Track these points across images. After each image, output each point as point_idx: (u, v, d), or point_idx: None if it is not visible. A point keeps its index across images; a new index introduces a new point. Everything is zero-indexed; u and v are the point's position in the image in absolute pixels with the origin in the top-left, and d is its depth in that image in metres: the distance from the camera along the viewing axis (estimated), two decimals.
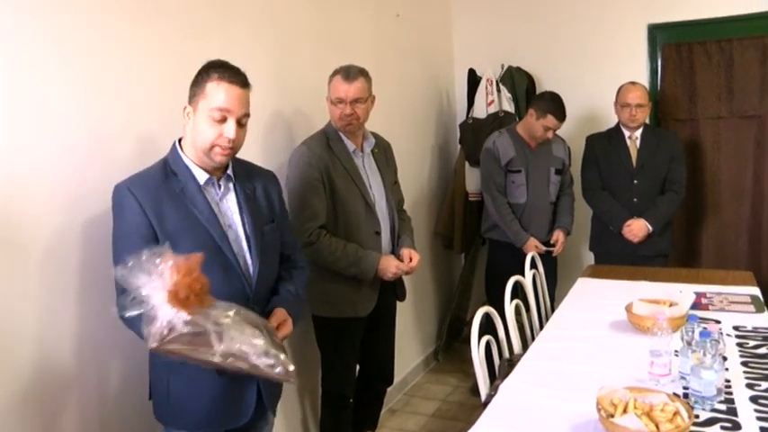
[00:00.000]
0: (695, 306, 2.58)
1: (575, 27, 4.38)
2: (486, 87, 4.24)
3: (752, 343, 2.28)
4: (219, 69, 1.79)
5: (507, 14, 4.58)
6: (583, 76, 4.34)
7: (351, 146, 2.72)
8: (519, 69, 4.40)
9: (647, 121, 3.81)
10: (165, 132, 2.21)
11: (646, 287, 2.84)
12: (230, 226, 1.87)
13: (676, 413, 1.63)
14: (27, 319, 1.81)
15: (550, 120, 3.51)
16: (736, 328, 2.43)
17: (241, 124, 1.81)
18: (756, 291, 2.87)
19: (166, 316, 1.46)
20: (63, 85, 1.90)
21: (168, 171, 1.82)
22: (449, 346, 4.54)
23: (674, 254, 3.98)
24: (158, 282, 1.45)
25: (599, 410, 1.67)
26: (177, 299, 1.45)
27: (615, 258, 3.64)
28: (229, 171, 1.91)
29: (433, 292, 4.49)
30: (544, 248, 3.62)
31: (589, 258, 4.05)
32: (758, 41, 3.91)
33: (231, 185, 1.91)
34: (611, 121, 3.80)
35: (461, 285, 4.56)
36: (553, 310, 2.92)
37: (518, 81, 4.35)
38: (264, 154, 2.76)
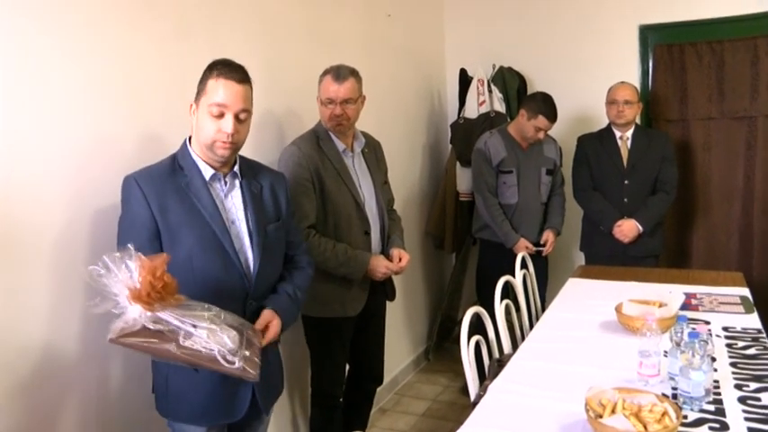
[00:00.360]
0: (685, 307, 2.58)
1: (566, 27, 4.39)
2: (478, 87, 4.24)
3: (741, 344, 2.28)
4: (219, 66, 1.85)
5: (499, 14, 4.58)
6: (574, 77, 4.34)
7: (341, 146, 2.71)
8: (510, 69, 4.40)
9: (638, 121, 3.82)
10: (160, 131, 2.22)
11: (636, 288, 2.84)
12: (233, 222, 1.91)
13: (665, 414, 1.63)
14: (31, 316, 1.83)
15: (542, 120, 3.51)
16: (725, 328, 2.43)
17: (240, 119, 1.84)
18: (746, 291, 2.88)
19: (132, 313, 1.50)
20: (63, 85, 1.91)
21: (176, 166, 1.88)
22: (439, 346, 4.55)
23: (665, 254, 3.99)
24: (126, 280, 1.49)
25: (587, 411, 1.67)
26: (138, 296, 1.48)
27: (606, 259, 3.65)
28: (236, 168, 1.94)
29: (423, 291, 4.49)
30: (534, 249, 3.62)
31: (580, 259, 4.06)
32: (749, 43, 3.92)
33: (237, 182, 1.95)
34: (603, 121, 3.81)
35: (452, 285, 4.56)
36: (543, 311, 2.92)
37: (509, 81, 4.35)
38: (255, 153, 2.73)
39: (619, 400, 1.69)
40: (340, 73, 2.61)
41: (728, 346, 2.27)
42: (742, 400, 1.85)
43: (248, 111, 1.88)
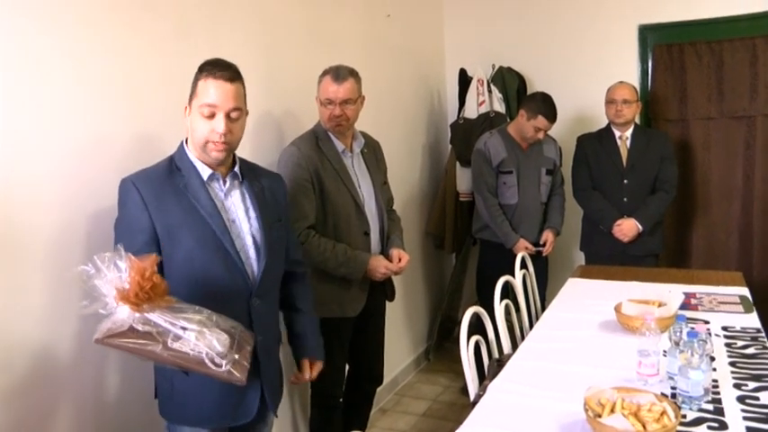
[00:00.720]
0: (684, 306, 2.58)
1: (566, 27, 4.39)
2: (477, 87, 4.24)
3: (740, 343, 2.28)
4: (208, 66, 1.83)
5: (498, 14, 4.59)
6: (574, 77, 4.34)
7: (340, 146, 2.71)
8: (510, 69, 4.40)
9: (638, 121, 3.82)
10: (160, 131, 2.22)
11: (635, 287, 2.84)
12: (233, 221, 1.90)
13: (663, 413, 1.63)
14: (27, 316, 1.82)
15: (541, 121, 3.52)
16: (724, 328, 2.44)
17: (232, 118, 1.82)
18: (745, 291, 2.88)
19: (120, 314, 1.49)
20: (62, 85, 1.91)
21: (173, 167, 1.87)
22: (440, 346, 4.55)
23: (665, 253, 4.00)
24: (115, 281, 1.48)
25: (586, 410, 1.67)
26: (126, 297, 1.47)
27: (606, 258, 3.65)
28: (236, 169, 1.93)
29: (424, 291, 4.49)
30: (534, 249, 3.62)
31: (580, 258, 4.06)
32: (748, 43, 3.92)
33: (237, 183, 1.94)
34: (603, 121, 3.81)
35: (452, 285, 4.56)
36: (543, 311, 2.92)
37: (509, 81, 4.35)
38: (254, 154, 2.75)
39: (618, 399, 1.70)
40: (339, 73, 2.61)
41: (728, 345, 2.27)
42: (741, 399, 1.85)
43: (240, 109, 1.85)
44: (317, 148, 2.66)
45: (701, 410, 1.78)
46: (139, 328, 1.49)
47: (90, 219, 1.99)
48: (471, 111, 4.25)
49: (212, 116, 1.80)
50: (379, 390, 3.15)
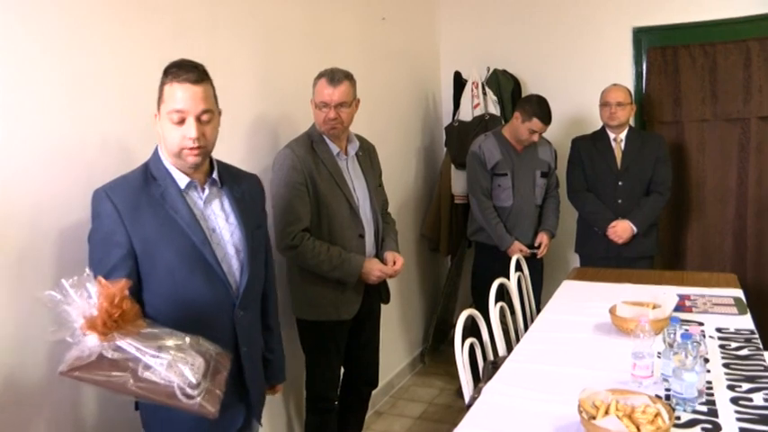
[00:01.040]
0: (679, 308, 2.58)
1: (560, 30, 4.40)
2: (472, 90, 4.25)
3: (734, 345, 2.29)
4: (172, 70, 1.73)
5: (493, 17, 4.60)
6: (568, 79, 4.36)
7: (335, 149, 2.71)
8: (505, 72, 4.41)
9: (632, 123, 3.83)
10: (151, 136, 2.20)
11: (630, 289, 2.85)
12: (214, 230, 1.82)
13: (657, 415, 1.64)
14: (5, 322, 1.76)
15: (536, 123, 3.52)
16: (718, 330, 2.44)
17: (202, 121, 1.73)
18: (739, 293, 2.89)
19: (88, 342, 1.40)
20: (47, 87, 1.88)
21: (149, 175, 1.77)
22: (435, 349, 4.55)
23: (660, 255, 4.00)
24: (83, 307, 1.40)
25: (581, 412, 1.67)
26: (93, 326, 1.39)
27: (600, 260, 3.66)
28: (215, 175, 1.85)
29: (419, 294, 4.49)
30: (528, 251, 3.63)
31: (575, 260, 4.07)
32: (741, 45, 3.94)
33: (216, 189, 1.86)
34: (597, 123, 3.82)
35: (448, 288, 4.56)
36: (538, 313, 2.92)
37: (504, 84, 4.36)
38: (248, 157, 2.75)
39: (612, 401, 1.70)
40: (334, 76, 2.61)
41: (722, 347, 2.27)
42: (734, 400, 1.86)
43: (211, 111, 1.75)
44: (311, 150, 2.66)
45: (694, 412, 1.79)
46: (109, 355, 1.41)
47: (69, 225, 1.91)
48: (466, 113, 4.26)
49: (182, 121, 1.70)
50: (374, 393, 3.15)
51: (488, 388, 2.06)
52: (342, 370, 2.94)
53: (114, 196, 1.70)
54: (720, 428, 1.70)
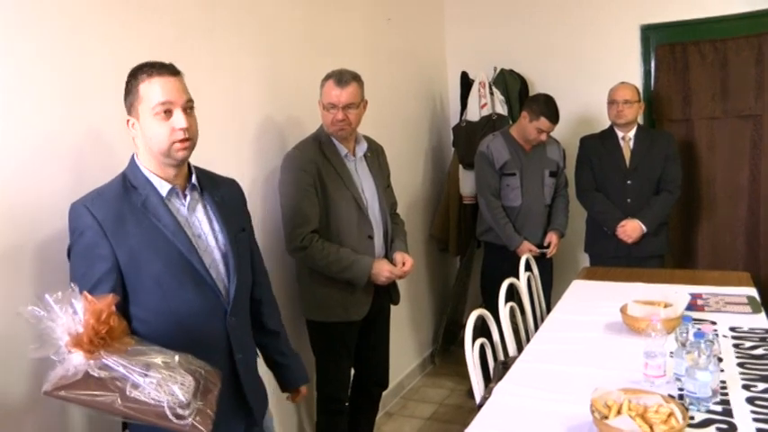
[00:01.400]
0: (691, 307, 2.56)
1: (567, 29, 4.38)
2: (479, 90, 4.24)
3: (748, 344, 2.26)
4: (144, 68, 1.69)
5: (499, 17, 4.58)
6: (576, 78, 4.33)
7: (343, 150, 2.70)
8: (512, 72, 4.40)
9: (641, 121, 3.80)
10: None
11: (641, 289, 2.82)
12: (200, 236, 1.77)
13: (671, 414, 1.62)
14: None
15: (543, 122, 3.51)
16: (732, 329, 2.42)
17: (187, 113, 1.70)
18: (753, 291, 2.86)
19: (73, 360, 1.34)
20: (45, 88, 1.86)
21: (128, 185, 1.71)
22: (445, 350, 4.53)
23: (670, 254, 3.97)
24: (68, 324, 1.34)
25: (593, 412, 1.66)
26: (79, 343, 1.33)
27: (610, 260, 3.64)
28: (194, 180, 1.80)
29: (428, 295, 4.48)
30: (538, 251, 3.61)
31: (584, 260, 4.05)
32: (753, 41, 3.90)
33: (197, 195, 1.81)
34: (605, 122, 3.80)
35: (457, 288, 4.55)
36: (548, 313, 2.91)
37: (511, 84, 4.34)
38: (256, 159, 2.76)
39: (624, 401, 1.69)
40: (342, 78, 2.60)
41: (736, 346, 2.25)
42: (750, 400, 1.84)
43: (192, 101, 1.72)
44: (319, 152, 2.66)
45: (709, 412, 1.77)
46: (95, 374, 1.36)
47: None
48: (473, 113, 4.24)
49: (169, 113, 1.66)
50: (384, 394, 3.14)
51: (499, 388, 2.05)
52: (352, 371, 2.93)
53: (94, 209, 1.64)
54: (736, 429, 1.68)
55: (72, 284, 1.39)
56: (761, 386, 1.92)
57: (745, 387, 1.92)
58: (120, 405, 1.36)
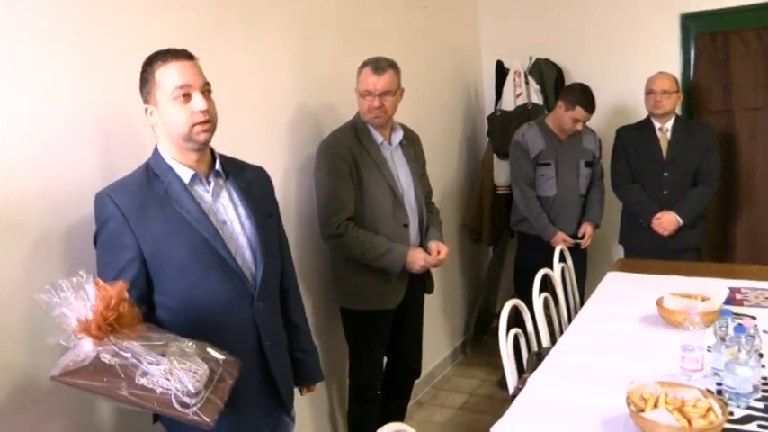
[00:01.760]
0: (729, 301, 2.52)
1: (604, 18, 4.32)
2: (515, 79, 4.21)
3: None
4: (159, 55, 1.69)
5: (535, 5, 4.53)
6: (613, 68, 4.27)
7: (379, 138, 2.71)
8: (547, 61, 4.36)
9: (679, 112, 3.74)
10: None
11: (677, 281, 2.79)
12: (225, 222, 1.76)
13: (709, 409, 1.60)
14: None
15: (579, 112, 3.47)
16: None
17: (205, 95, 1.70)
18: None
19: (83, 347, 1.36)
20: (75, 71, 1.87)
21: (150, 173, 1.72)
22: (477, 340, 4.53)
23: (707, 248, 3.91)
24: (79, 309, 1.35)
25: (629, 405, 1.65)
26: (87, 329, 1.34)
27: (645, 252, 3.59)
28: (218, 167, 1.80)
29: (460, 285, 4.48)
30: (572, 241, 3.58)
31: (619, 252, 4.00)
32: None
33: (222, 181, 1.81)
34: (642, 113, 3.74)
35: (489, 278, 4.54)
36: (582, 304, 2.89)
37: (546, 73, 4.30)
38: (291, 146, 2.78)
39: (661, 394, 1.67)
40: (379, 65, 2.61)
41: None
42: None
43: (209, 84, 1.73)
44: (355, 139, 2.67)
45: (749, 408, 1.74)
46: (106, 360, 1.36)
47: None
48: (508, 103, 4.22)
49: (188, 97, 1.67)
50: (416, 383, 3.15)
51: (533, 379, 2.05)
52: (385, 359, 2.94)
53: (118, 198, 1.65)
54: None
55: (81, 272, 1.39)
56: None
57: None
58: (125, 392, 1.36)
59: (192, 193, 1.72)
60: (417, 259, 2.67)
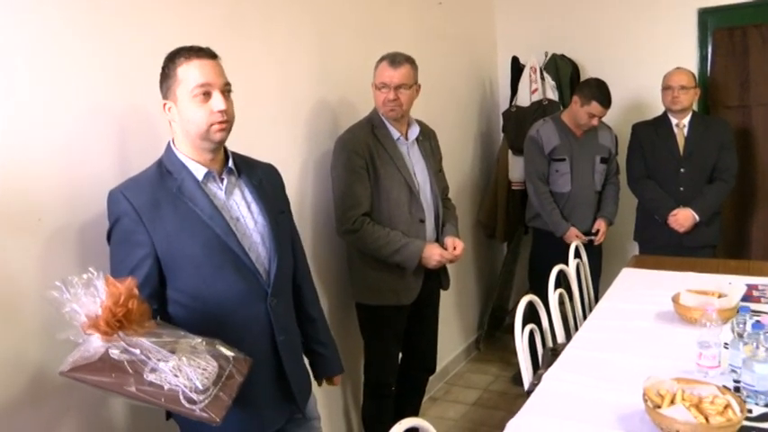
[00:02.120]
0: (746, 298, 2.50)
1: (621, 13, 4.30)
2: (530, 75, 4.20)
3: None
4: (182, 51, 1.70)
5: (550, 1, 4.51)
6: (629, 64, 4.25)
7: (395, 133, 2.71)
8: (563, 57, 4.34)
9: (696, 108, 3.71)
10: None
11: (693, 278, 2.78)
12: (238, 219, 1.77)
13: (727, 406, 1.59)
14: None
15: (595, 106, 3.46)
16: None
17: (225, 95, 1.70)
18: None
19: (93, 343, 1.36)
20: (93, 67, 1.88)
21: (163, 170, 1.72)
22: (490, 336, 4.53)
23: (723, 245, 3.88)
24: (88, 305, 1.36)
25: (645, 401, 1.65)
26: (95, 325, 1.35)
27: (660, 249, 3.57)
28: (230, 164, 1.80)
29: (475, 280, 4.48)
30: (585, 237, 3.57)
31: (634, 248, 3.99)
32: None
33: (234, 178, 1.81)
34: (659, 108, 3.72)
35: (504, 275, 4.54)
36: (597, 301, 2.88)
37: (562, 69, 4.29)
38: (308, 142, 2.79)
39: (678, 390, 1.66)
40: (396, 59, 2.62)
41: None
42: None
43: (230, 84, 1.73)
44: (372, 135, 2.67)
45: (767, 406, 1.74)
46: (115, 356, 1.37)
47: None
48: (524, 99, 4.21)
49: (208, 95, 1.67)
50: (429, 379, 3.15)
51: (549, 375, 2.04)
52: (400, 355, 2.95)
53: (131, 195, 1.66)
54: None
55: (91, 269, 1.39)
56: None
57: None
58: (134, 388, 1.36)
59: (205, 190, 1.73)
60: (433, 255, 2.67)
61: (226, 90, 1.71)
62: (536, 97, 4.15)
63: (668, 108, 3.59)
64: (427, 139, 2.88)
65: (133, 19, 2.01)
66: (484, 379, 4.06)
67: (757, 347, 1.76)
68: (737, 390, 1.80)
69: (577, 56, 4.40)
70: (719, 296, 2.38)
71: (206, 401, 1.42)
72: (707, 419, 1.56)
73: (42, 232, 1.76)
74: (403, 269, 2.68)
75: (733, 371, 1.90)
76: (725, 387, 1.72)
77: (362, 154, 2.62)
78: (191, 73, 1.67)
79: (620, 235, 4.15)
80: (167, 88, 1.71)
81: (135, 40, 2.00)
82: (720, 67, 4.05)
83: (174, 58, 1.69)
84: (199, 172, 1.73)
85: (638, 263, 3.32)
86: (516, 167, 4.15)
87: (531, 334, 2.44)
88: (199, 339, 1.50)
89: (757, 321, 1.90)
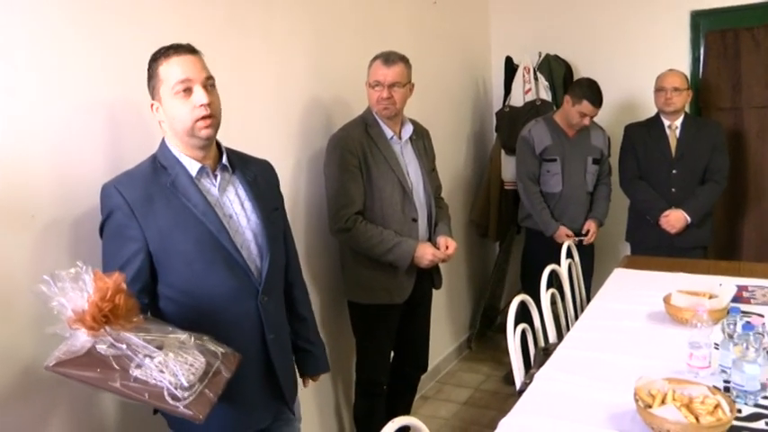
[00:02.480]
0: (736, 299, 2.52)
1: (614, 14, 4.31)
2: (524, 75, 4.21)
3: None
4: (162, 50, 1.69)
5: (545, 1, 4.52)
6: (622, 65, 4.27)
7: (389, 132, 2.71)
8: (557, 57, 4.35)
9: (688, 110, 3.73)
10: None
11: (684, 279, 2.79)
12: (231, 216, 1.76)
13: (717, 406, 1.60)
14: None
15: (586, 106, 3.47)
16: None
17: (208, 89, 1.68)
18: None
19: (79, 338, 1.35)
20: (90, 64, 1.87)
21: (158, 165, 1.72)
22: (482, 335, 4.54)
23: (714, 246, 3.90)
24: (76, 300, 1.35)
25: (637, 401, 1.66)
26: (81, 320, 1.34)
27: (652, 249, 3.59)
28: (224, 160, 1.79)
29: (467, 280, 4.48)
30: (576, 237, 3.58)
31: (626, 249, 4.01)
32: None
33: (228, 175, 1.81)
34: (651, 110, 3.74)
35: (496, 274, 4.55)
36: (588, 301, 2.89)
37: (556, 69, 4.30)
38: (301, 140, 2.78)
39: (669, 390, 1.68)
40: (389, 57, 2.62)
41: None
42: None
43: (213, 78, 1.71)
44: (365, 133, 2.67)
45: (757, 405, 1.75)
46: (101, 351, 1.36)
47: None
48: (517, 99, 4.22)
49: (189, 91, 1.66)
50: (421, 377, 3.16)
51: (541, 374, 2.05)
52: (392, 354, 2.95)
53: (124, 190, 1.65)
54: None
55: (79, 263, 1.39)
56: None
57: None
58: (118, 384, 1.35)
59: (198, 186, 1.72)
60: (426, 254, 2.68)
61: (208, 84, 1.69)
62: (529, 97, 4.16)
63: (661, 109, 3.61)
64: (420, 139, 2.88)
65: (130, 17, 2.00)
66: (475, 378, 4.07)
67: (747, 348, 1.77)
68: (727, 390, 1.81)
69: (571, 56, 4.41)
70: (710, 297, 2.39)
71: (190, 398, 1.41)
72: (697, 419, 1.57)
73: (35, 228, 1.75)
74: (395, 268, 2.68)
75: (723, 371, 1.91)
76: (715, 387, 1.74)
77: (356, 153, 2.62)
78: (171, 70, 1.66)
79: (612, 235, 4.16)
80: (152, 88, 1.71)
81: (133, 39, 1.99)
82: (712, 69, 4.07)
83: (156, 58, 1.69)
84: (193, 167, 1.73)
85: (630, 263, 3.34)
86: (509, 167, 4.16)
87: (523, 333, 2.44)
88: (187, 335, 1.49)
89: (747, 322, 1.91)
